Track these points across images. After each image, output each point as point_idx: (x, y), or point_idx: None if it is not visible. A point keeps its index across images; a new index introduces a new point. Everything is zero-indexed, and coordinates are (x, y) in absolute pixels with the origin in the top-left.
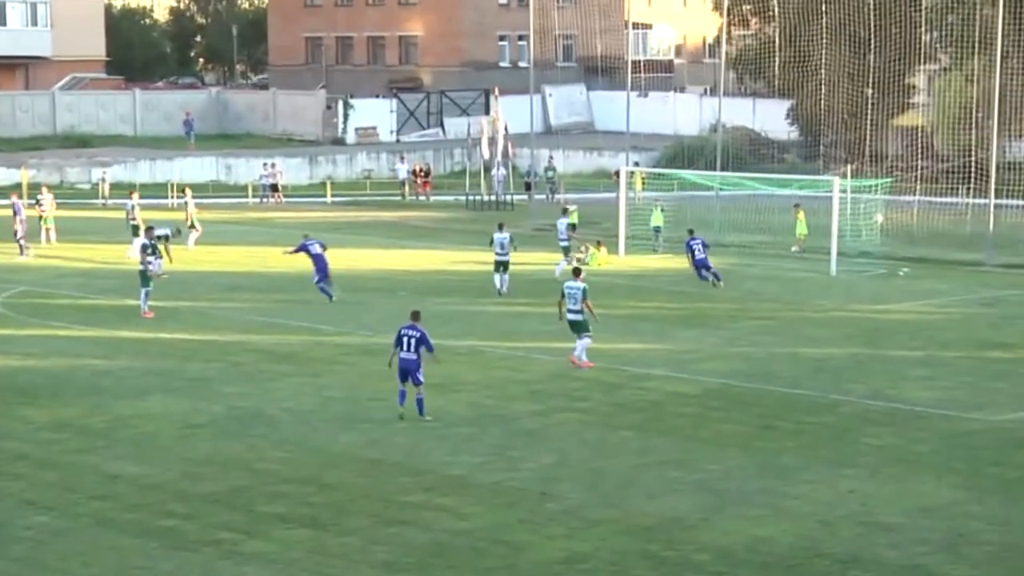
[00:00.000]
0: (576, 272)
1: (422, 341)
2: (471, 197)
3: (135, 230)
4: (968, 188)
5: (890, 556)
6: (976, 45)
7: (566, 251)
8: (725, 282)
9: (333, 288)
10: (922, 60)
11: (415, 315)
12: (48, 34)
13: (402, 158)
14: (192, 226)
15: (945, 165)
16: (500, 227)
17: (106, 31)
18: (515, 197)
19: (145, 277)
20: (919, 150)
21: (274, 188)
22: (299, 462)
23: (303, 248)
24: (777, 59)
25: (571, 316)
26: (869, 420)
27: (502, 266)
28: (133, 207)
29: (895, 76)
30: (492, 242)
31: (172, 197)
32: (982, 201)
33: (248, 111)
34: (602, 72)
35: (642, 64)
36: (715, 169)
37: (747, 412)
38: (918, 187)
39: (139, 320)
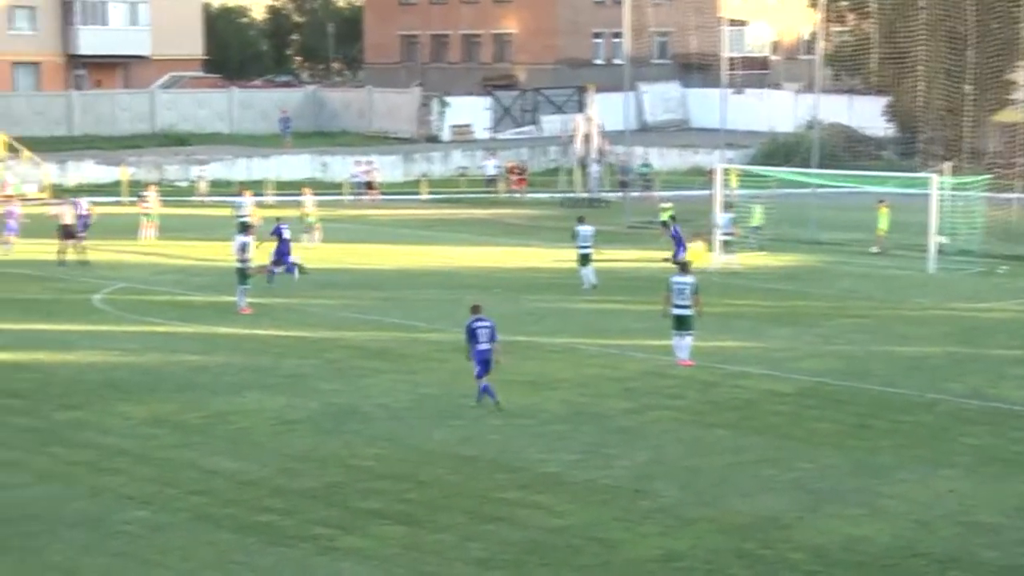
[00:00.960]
0: (684, 267)
1: (494, 331)
2: (565, 194)
3: (243, 227)
4: None
5: (990, 557)
6: None
7: (727, 245)
8: (820, 280)
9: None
10: (1022, 56)
11: (478, 308)
12: (147, 34)
13: (491, 155)
14: (311, 225)
15: None
16: (581, 220)
17: (204, 30)
18: (609, 194)
19: (243, 274)
20: (1018, 147)
21: (369, 185)
22: (394, 459)
23: (276, 232)
24: (874, 55)
25: (679, 311)
26: (966, 419)
27: (585, 259)
28: (242, 204)
29: (994, 72)
30: (575, 235)
31: (270, 194)
32: None
33: (344, 109)
34: (697, 69)
35: (738, 61)
36: (810, 166)
37: (842, 411)
38: (1017, 184)
39: (236, 317)
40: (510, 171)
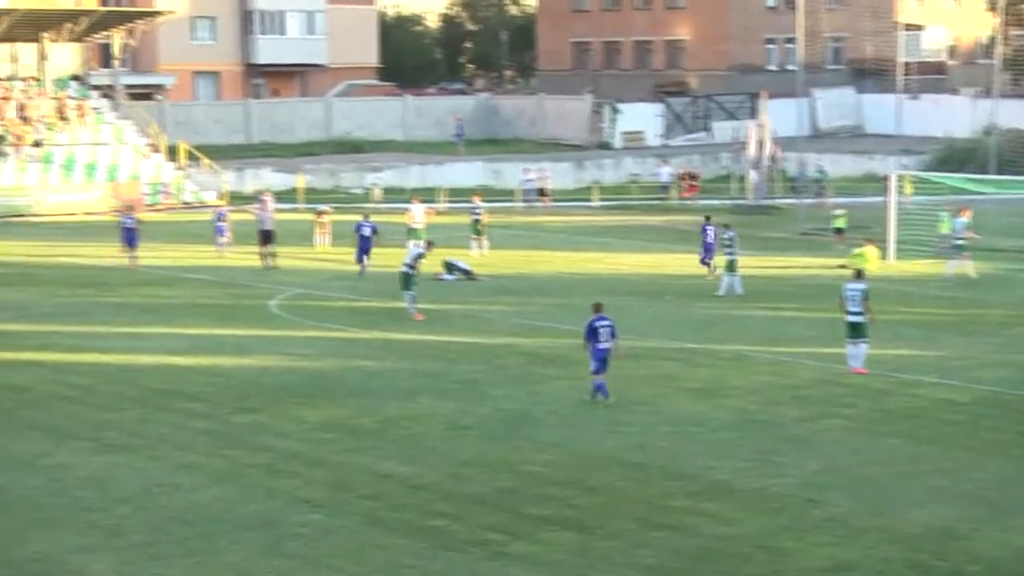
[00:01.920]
0: (858, 274)
1: (615, 330)
2: (737, 201)
3: (412, 233)
4: None
5: None
6: None
7: (959, 249)
8: (998, 288)
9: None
10: None
11: (599, 307)
12: (324, 43)
13: (664, 161)
14: (479, 233)
15: None
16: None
17: (379, 39)
18: (782, 201)
19: (408, 280)
20: None
21: (541, 192)
22: (563, 464)
23: (358, 228)
24: None
25: (853, 318)
26: None
27: (731, 265)
28: (411, 211)
29: None
30: (720, 238)
31: (442, 201)
32: None
33: (516, 116)
34: (872, 74)
35: (913, 66)
36: (987, 172)
37: (1019, 421)
38: None
39: (409, 322)
40: (682, 178)
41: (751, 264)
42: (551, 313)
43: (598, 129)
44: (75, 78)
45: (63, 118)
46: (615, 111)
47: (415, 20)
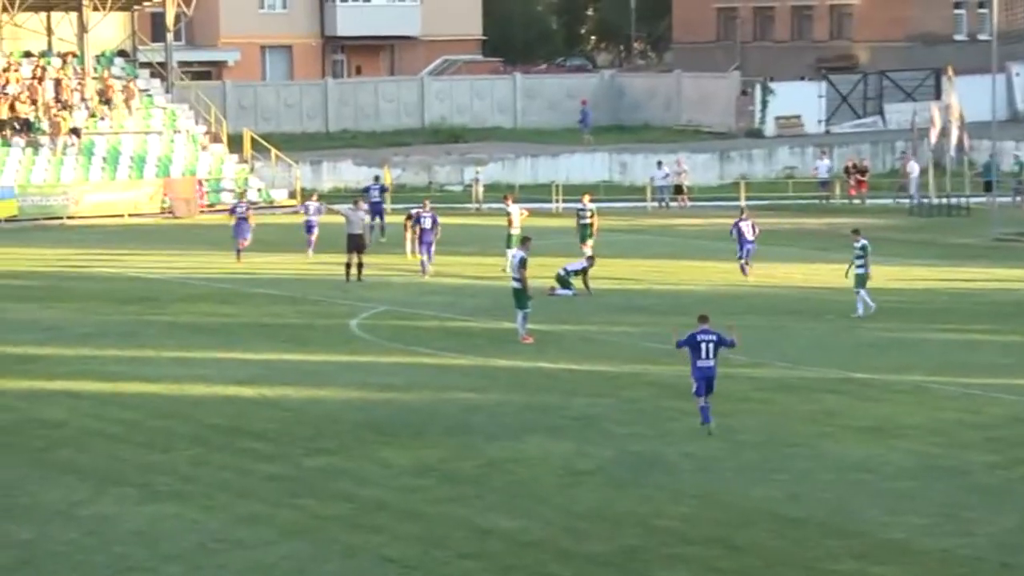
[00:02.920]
0: None
1: (720, 343)
2: (917, 200)
3: (522, 240)
4: None
5: None
6: None
7: None
8: None
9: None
10: None
11: (704, 318)
12: (417, 10)
13: (823, 153)
14: (587, 239)
15: None
16: (856, 232)
17: (483, 6)
18: (972, 200)
19: (521, 297)
20: None
21: (678, 189)
22: (704, 519)
23: (417, 220)
24: None
25: None
26: None
27: (861, 280)
28: (510, 213)
29: None
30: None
31: (557, 201)
32: None
33: (647, 98)
34: None
35: None
36: None
37: None
38: None
39: (517, 346)
40: (848, 172)
41: (931, 276)
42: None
43: (746, 113)
44: (121, 54)
45: (106, 101)
46: (767, 91)
47: None
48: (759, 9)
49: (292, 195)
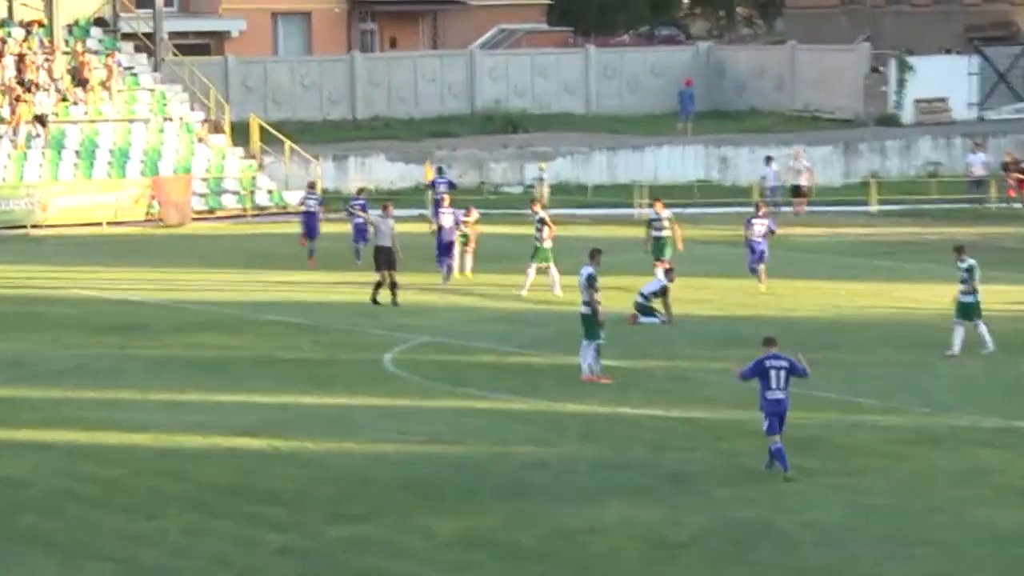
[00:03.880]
0: None
1: (793, 371)
2: None
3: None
4: None
5: None
6: None
7: None
8: None
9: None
10: None
11: (771, 341)
12: None
13: (977, 145)
14: (662, 255)
15: None
16: (959, 250)
17: None
18: None
19: (592, 325)
20: None
21: (797, 191)
22: None
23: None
24: None
25: None
26: None
27: (968, 311)
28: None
29: None
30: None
31: (640, 206)
32: None
33: (754, 76)
34: None
35: None
36: None
37: None
38: None
39: (589, 388)
40: (1007, 168)
41: None
42: None
43: (878, 96)
44: (98, 23)
45: (80, 82)
46: (904, 68)
47: None
48: None
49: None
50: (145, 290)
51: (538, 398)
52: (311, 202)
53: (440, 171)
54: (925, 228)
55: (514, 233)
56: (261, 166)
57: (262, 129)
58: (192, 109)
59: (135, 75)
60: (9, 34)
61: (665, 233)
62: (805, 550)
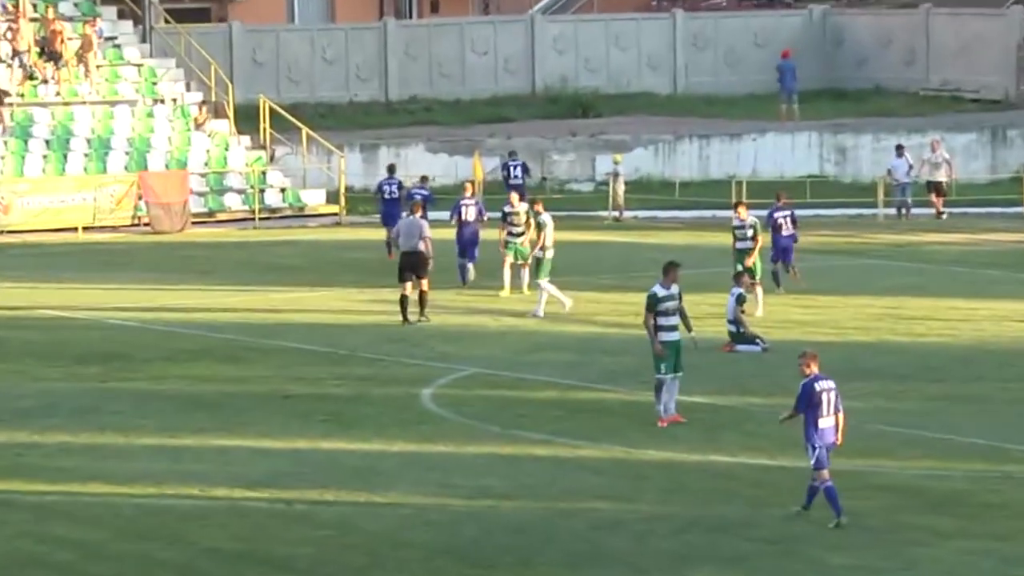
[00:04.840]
0: None
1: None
2: None
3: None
4: None
5: None
6: None
7: None
8: None
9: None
10: None
11: (813, 357)
12: None
13: None
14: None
15: None
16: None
17: None
18: None
19: (674, 355)
20: None
21: (935, 188)
22: None
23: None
24: None
25: None
26: None
27: None
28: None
29: None
30: None
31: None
32: None
33: (879, 47)
34: None
35: None
36: None
37: None
38: None
39: (665, 431)
40: None
41: None
42: (942, 414)
43: None
44: None
45: (52, 56)
46: None
47: None
48: None
49: (333, 198)
50: (130, 311)
51: (612, 443)
52: (391, 187)
53: (513, 154)
54: None
55: (584, 239)
56: (272, 159)
57: (273, 113)
58: (188, 89)
59: (118, 47)
60: None
61: (749, 244)
62: None
